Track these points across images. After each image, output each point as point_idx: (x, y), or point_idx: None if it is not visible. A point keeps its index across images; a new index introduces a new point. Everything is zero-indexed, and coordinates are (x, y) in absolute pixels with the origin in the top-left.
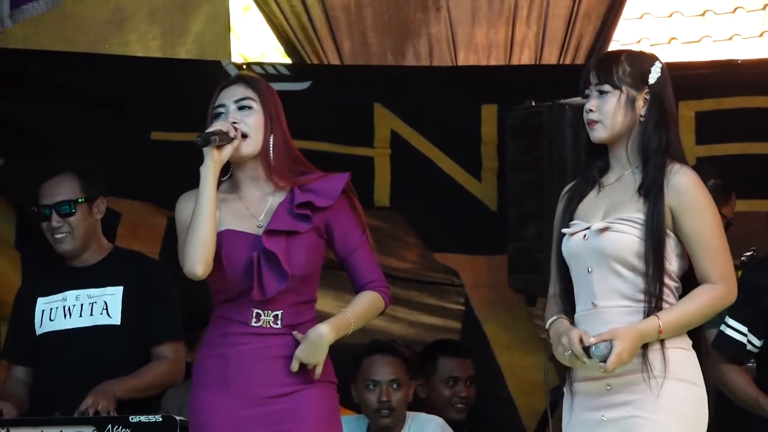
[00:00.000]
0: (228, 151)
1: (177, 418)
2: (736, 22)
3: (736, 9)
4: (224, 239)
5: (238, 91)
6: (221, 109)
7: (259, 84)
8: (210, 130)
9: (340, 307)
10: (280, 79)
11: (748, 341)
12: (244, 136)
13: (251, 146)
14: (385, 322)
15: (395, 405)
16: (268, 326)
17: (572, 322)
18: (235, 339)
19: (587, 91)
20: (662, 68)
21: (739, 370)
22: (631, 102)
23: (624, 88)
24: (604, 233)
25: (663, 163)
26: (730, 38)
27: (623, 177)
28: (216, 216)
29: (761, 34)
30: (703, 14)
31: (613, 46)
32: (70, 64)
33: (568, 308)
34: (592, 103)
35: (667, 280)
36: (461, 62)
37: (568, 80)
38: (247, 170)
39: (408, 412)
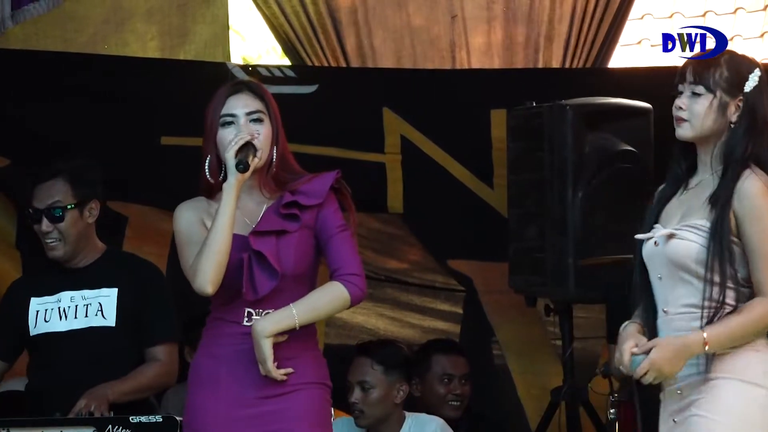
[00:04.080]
0: (252, 167)
1: (177, 418)
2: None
3: (737, 10)
4: None
5: (249, 103)
6: (231, 119)
7: (265, 94)
8: (241, 151)
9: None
10: (287, 82)
11: None
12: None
13: (260, 161)
14: (397, 326)
15: (363, 407)
16: None
17: (651, 327)
18: (227, 339)
19: (681, 87)
20: (760, 76)
21: None
22: (723, 107)
23: (718, 93)
24: (670, 240)
25: (740, 172)
26: (731, 39)
27: (704, 181)
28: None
29: (762, 35)
30: (704, 15)
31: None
32: (75, 65)
33: (647, 313)
34: (683, 101)
35: (736, 287)
36: (469, 65)
37: (576, 83)
38: (246, 182)
39: (408, 413)
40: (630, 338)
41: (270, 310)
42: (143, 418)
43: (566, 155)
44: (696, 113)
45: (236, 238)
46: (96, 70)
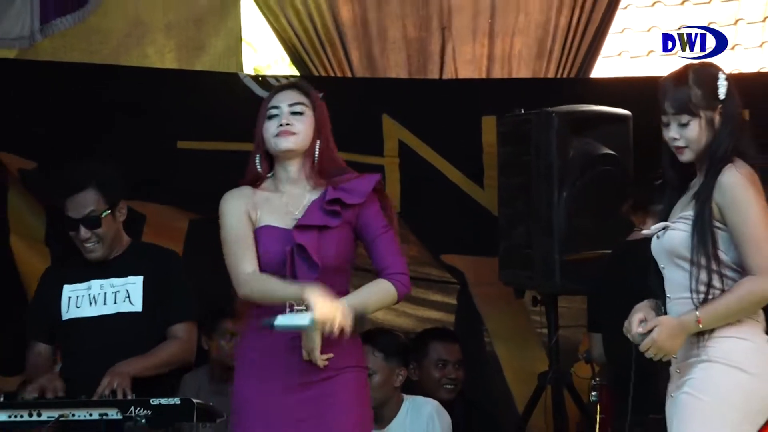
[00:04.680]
0: None
1: (194, 401)
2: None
3: (710, 23)
4: (262, 235)
5: (293, 96)
6: (275, 111)
7: (311, 92)
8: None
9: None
10: None
11: None
12: (294, 134)
13: (295, 145)
14: (395, 316)
15: None
16: None
17: (664, 313)
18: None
19: (665, 119)
20: (726, 77)
21: None
22: (710, 122)
23: (701, 113)
24: (666, 232)
25: (722, 167)
26: (733, 48)
27: (698, 180)
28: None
29: (761, 45)
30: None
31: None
32: (99, 76)
33: (661, 299)
34: (675, 133)
35: (724, 270)
36: (462, 75)
37: (561, 92)
38: (290, 169)
39: (406, 396)
40: (640, 311)
41: None
42: (162, 401)
43: (552, 159)
44: (691, 139)
45: (280, 231)
46: (118, 80)
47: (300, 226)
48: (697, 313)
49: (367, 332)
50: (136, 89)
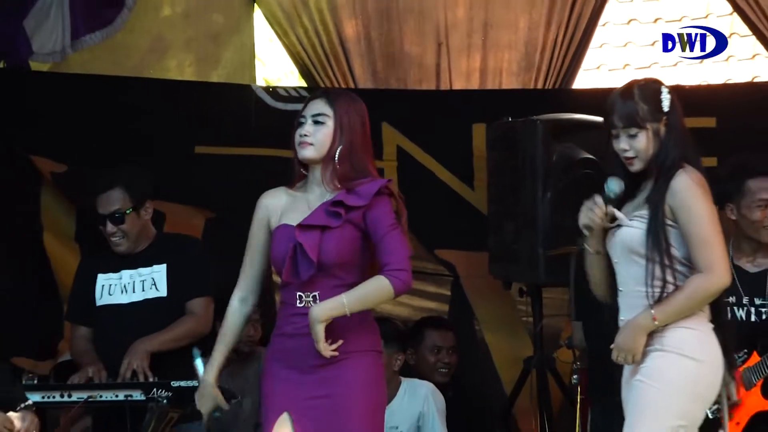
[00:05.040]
0: None
1: None
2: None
3: (731, 34)
4: (277, 233)
5: (317, 107)
6: (302, 120)
7: (337, 100)
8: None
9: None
10: (302, 101)
11: None
12: (311, 144)
13: (313, 154)
14: (393, 306)
15: None
16: (309, 306)
17: (614, 304)
18: (288, 319)
19: (615, 131)
20: (669, 91)
21: None
22: (656, 133)
23: (647, 125)
24: (621, 229)
25: (674, 171)
26: (727, 59)
27: (649, 184)
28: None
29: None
30: (653, 44)
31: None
32: (125, 86)
33: (612, 291)
34: (625, 144)
35: (676, 265)
36: (455, 87)
37: (545, 102)
38: (315, 173)
39: (403, 378)
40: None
41: (316, 293)
42: (182, 383)
43: (536, 162)
44: (639, 149)
45: (290, 228)
46: (142, 91)
47: (302, 226)
48: (653, 311)
49: None
50: (157, 99)
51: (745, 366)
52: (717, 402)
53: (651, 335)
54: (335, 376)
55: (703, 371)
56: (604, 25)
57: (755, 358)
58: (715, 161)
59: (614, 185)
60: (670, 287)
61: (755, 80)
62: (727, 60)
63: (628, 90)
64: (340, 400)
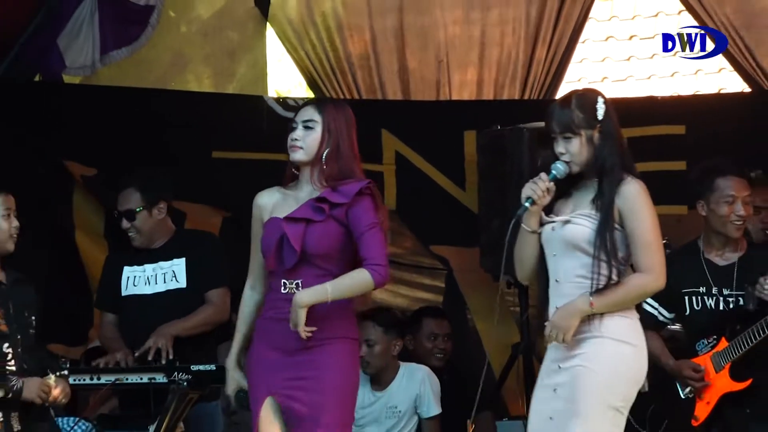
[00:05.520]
0: None
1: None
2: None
3: (653, 55)
4: (267, 225)
5: (307, 113)
6: (294, 125)
7: (326, 107)
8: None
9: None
10: None
11: (659, 313)
12: (301, 147)
13: (302, 156)
14: (392, 297)
15: (368, 359)
16: (292, 292)
17: (544, 293)
18: (273, 303)
19: (554, 135)
20: (605, 101)
21: (652, 334)
22: (590, 139)
23: (581, 132)
24: (566, 225)
25: (619, 178)
26: (695, 73)
27: (586, 185)
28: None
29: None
30: (628, 59)
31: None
32: (148, 97)
33: (542, 282)
34: (561, 148)
35: (615, 264)
36: (448, 98)
37: (531, 111)
38: (305, 173)
39: (402, 363)
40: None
41: (299, 281)
42: (201, 367)
43: (523, 166)
44: (573, 153)
45: (278, 221)
46: (164, 102)
47: (288, 218)
48: (591, 297)
49: (370, 309)
50: (178, 109)
51: (714, 350)
52: (689, 386)
53: (589, 323)
54: (312, 360)
55: (638, 355)
56: (584, 42)
57: (723, 343)
58: (684, 165)
59: (561, 167)
60: (612, 283)
61: (721, 92)
62: (695, 74)
63: (567, 99)
64: (315, 383)
